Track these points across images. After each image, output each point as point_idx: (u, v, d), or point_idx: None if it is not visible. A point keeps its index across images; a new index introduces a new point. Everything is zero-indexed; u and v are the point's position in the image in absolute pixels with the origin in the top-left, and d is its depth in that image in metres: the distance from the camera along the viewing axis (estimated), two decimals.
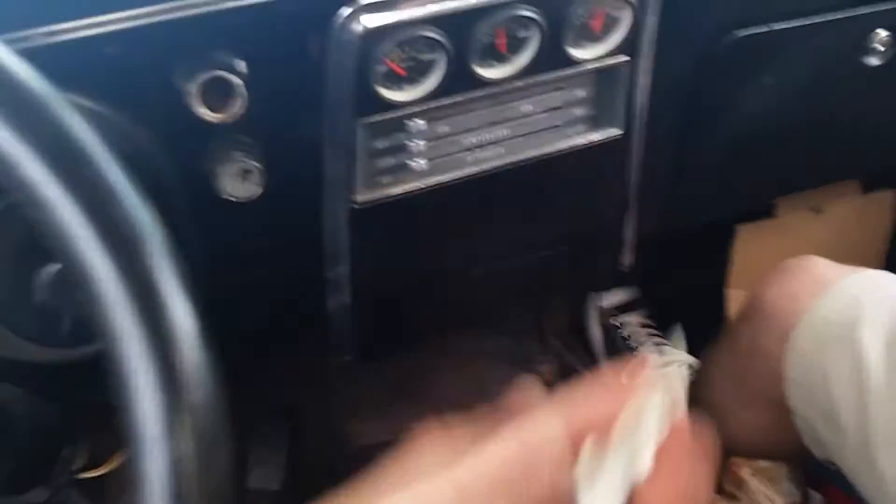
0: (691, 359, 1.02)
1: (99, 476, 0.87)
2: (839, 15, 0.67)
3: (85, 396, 0.73)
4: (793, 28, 0.66)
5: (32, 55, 0.43)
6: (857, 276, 0.59)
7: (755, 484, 0.90)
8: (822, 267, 0.62)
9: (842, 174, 0.89)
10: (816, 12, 0.67)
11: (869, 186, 0.99)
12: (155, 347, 0.28)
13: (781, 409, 0.61)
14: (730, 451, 0.85)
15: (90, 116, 0.50)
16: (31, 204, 0.28)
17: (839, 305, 0.57)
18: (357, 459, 1.08)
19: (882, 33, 0.69)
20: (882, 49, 0.70)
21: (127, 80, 0.50)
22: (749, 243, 0.97)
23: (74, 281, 0.29)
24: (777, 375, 0.60)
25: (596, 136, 0.63)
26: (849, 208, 1.00)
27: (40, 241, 0.52)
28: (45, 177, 0.28)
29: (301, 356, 0.78)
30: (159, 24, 0.47)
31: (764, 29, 0.65)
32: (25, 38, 0.43)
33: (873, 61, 0.71)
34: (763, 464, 0.91)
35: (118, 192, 0.29)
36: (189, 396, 0.28)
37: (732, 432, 0.73)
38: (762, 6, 0.65)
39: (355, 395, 1.08)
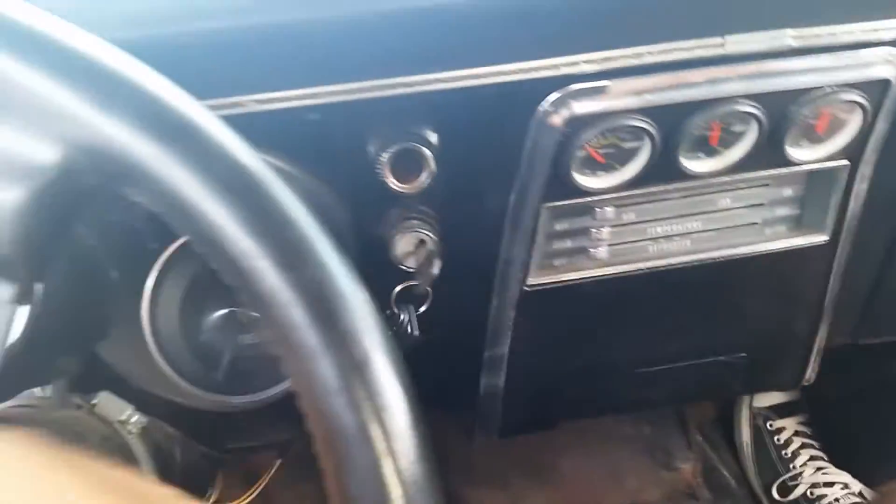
0: (859, 485, 0.92)
1: None
2: None
3: (228, 441, 0.73)
4: None
5: (242, 119, 0.44)
6: None
7: None
8: None
9: None
10: None
11: None
12: (369, 417, 0.27)
13: None
14: None
15: (281, 174, 0.51)
16: (251, 295, 0.27)
17: None
18: None
19: None
20: None
21: (323, 146, 0.49)
22: None
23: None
24: None
25: (799, 241, 0.58)
26: None
27: (209, 285, 0.54)
28: (273, 274, 0.26)
29: (447, 427, 0.75)
30: (365, 99, 0.46)
31: None
32: (239, 104, 0.43)
33: None
34: None
35: (344, 291, 0.27)
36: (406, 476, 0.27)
37: None
38: None
39: (479, 462, 1.04)
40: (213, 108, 0.43)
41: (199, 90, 0.29)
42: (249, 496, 0.88)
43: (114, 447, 0.50)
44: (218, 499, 0.86)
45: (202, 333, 0.55)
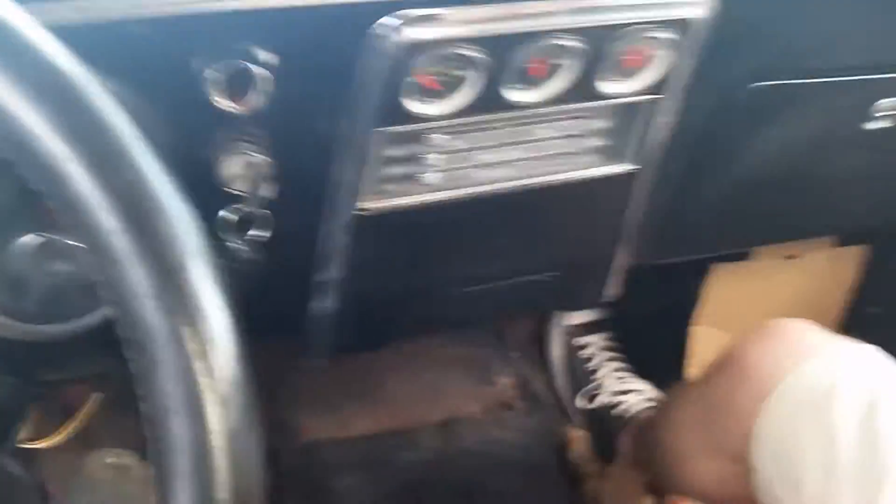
0: (653, 391, 1.03)
1: (38, 447, 0.84)
2: (848, 78, 0.68)
3: (41, 373, 0.69)
4: (805, 85, 0.67)
5: (57, 28, 0.41)
6: (840, 347, 0.60)
7: None
8: (806, 332, 0.62)
9: (821, 228, 0.90)
10: (827, 73, 0.68)
11: (841, 240, 1.01)
12: (182, 320, 0.27)
13: (743, 464, 0.61)
14: (680, 492, 0.86)
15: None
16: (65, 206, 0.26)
17: (818, 375, 0.57)
18: (304, 452, 1.06)
19: (885, 102, 0.70)
20: (882, 116, 0.71)
21: (149, 60, 0.47)
22: (722, 282, 0.99)
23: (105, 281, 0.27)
24: (746, 433, 0.60)
25: (610, 169, 0.62)
26: (820, 259, 1.03)
27: (19, 210, 0.50)
28: (85, 177, 0.26)
29: (271, 353, 0.75)
30: (195, 11, 0.44)
31: (779, 82, 0.65)
32: (53, 10, 0.40)
33: (872, 127, 0.72)
34: None
35: (164, 205, 0.27)
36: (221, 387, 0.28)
37: (688, 476, 0.74)
38: (781, 62, 0.65)
39: (306, 388, 1.05)
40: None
41: None
42: (65, 430, 0.85)
43: None
44: (33, 435, 0.82)
45: (11, 260, 0.52)
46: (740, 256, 0.95)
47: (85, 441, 0.88)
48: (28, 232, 0.52)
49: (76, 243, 0.53)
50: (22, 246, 0.52)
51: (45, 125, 0.25)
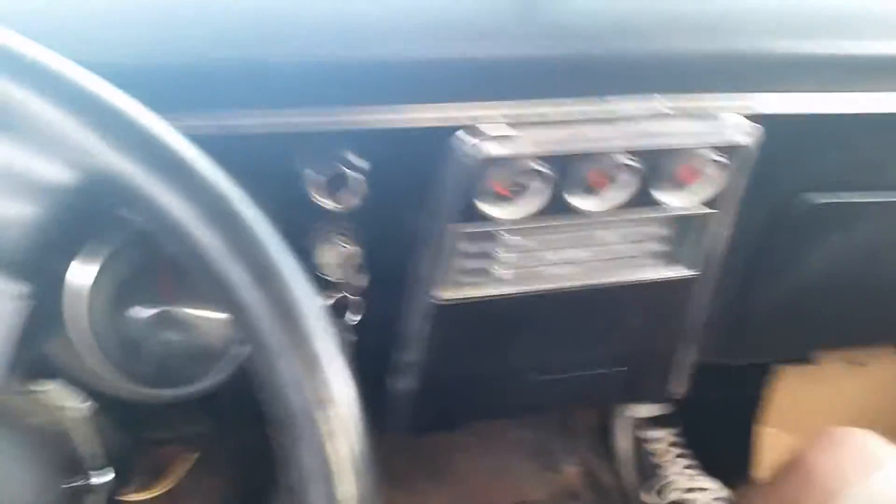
0: (724, 491, 1.04)
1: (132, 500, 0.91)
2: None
3: (146, 432, 0.77)
4: (859, 202, 0.71)
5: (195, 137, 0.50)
6: None
7: None
8: (871, 443, 0.65)
9: (883, 337, 0.92)
10: (875, 190, 0.72)
11: None
12: (321, 405, 0.33)
13: None
14: None
15: None
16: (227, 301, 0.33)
17: (886, 487, 0.59)
18: None
19: None
20: None
21: (260, 163, 0.54)
22: (788, 384, 1.00)
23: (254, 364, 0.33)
24: None
25: (671, 273, 0.67)
26: (886, 366, 1.03)
27: (141, 283, 0.58)
28: (249, 288, 0.33)
29: None
30: (303, 127, 0.53)
31: (833, 200, 0.70)
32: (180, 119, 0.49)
33: None
34: None
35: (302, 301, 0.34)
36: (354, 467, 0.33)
37: None
38: (829, 180, 0.70)
39: (381, 464, 1.10)
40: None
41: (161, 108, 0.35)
42: (159, 487, 0.92)
43: (56, 431, 0.54)
44: (126, 489, 0.89)
45: (129, 327, 0.60)
46: (805, 360, 0.97)
47: (174, 499, 0.94)
48: (146, 302, 0.60)
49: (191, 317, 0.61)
50: (140, 315, 0.60)
51: (218, 246, 0.32)
